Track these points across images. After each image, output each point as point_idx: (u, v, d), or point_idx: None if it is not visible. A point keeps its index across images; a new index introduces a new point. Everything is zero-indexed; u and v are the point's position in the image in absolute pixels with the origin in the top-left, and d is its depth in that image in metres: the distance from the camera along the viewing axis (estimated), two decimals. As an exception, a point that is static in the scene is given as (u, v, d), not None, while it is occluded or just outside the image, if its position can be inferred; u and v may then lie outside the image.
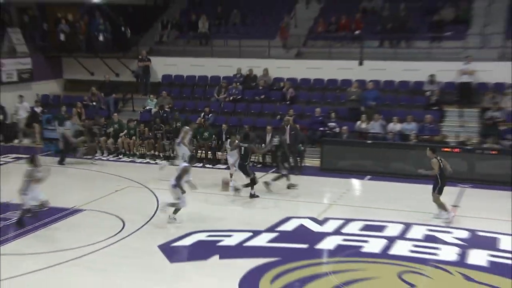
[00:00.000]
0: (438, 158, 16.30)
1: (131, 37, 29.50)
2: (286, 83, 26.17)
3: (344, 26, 27.55)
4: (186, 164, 16.25)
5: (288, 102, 25.22)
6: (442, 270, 13.16)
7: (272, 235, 15.20)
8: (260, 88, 26.52)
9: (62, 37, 29.13)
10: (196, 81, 28.18)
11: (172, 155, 23.27)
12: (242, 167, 18.65)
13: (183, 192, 15.85)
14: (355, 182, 20.80)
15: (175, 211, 15.81)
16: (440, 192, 16.29)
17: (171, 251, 14.06)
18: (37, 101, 27.48)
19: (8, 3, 30.55)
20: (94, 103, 26.91)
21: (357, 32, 26.91)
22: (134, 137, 24.00)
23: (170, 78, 28.51)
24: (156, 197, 18.32)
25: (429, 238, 15.07)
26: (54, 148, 25.03)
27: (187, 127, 20.91)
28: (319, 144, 22.41)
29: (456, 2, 27.15)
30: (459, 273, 13.02)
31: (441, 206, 16.39)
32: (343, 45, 27.19)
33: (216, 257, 13.75)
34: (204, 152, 23.06)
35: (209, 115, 24.59)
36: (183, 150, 20.23)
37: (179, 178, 15.71)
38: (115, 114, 25.82)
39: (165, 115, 24.90)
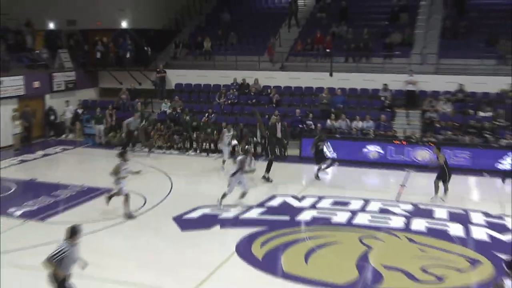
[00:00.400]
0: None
1: (151, 54, 29.38)
2: (272, 90, 26.11)
3: (318, 40, 27.50)
4: (241, 157, 15.42)
5: (274, 105, 25.18)
6: (392, 235, 13.27)
7: (261, 209, 15.23)
8: (252, 94, 26.44)
9: (98, 55, 29.11)
10: (201, 88, 28.07)
11: (179, 146, 23.32)
12: (266, 149, 19.41)
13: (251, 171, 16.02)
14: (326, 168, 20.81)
15: (242, 196, 15.18)
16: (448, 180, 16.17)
17: (182, 222, 14.09)
18: (79, 104, 27.45)
19: (59, 30, 30.88)
20: (124, 101, 26.89)
21: (327, 50, 26.85)
22: (152, 132, 23.88)
23: (181, 86, 28.39)
24: (171, 179, 18.31)
25: (382, 211, 15.15)
26: (91, 142, 25.06)
27: (225, 129, 20.67)
28: (299, 138, 22.40)
29: (403, 29, 27.21)
30: (405, 237, 13.16)
31: (437, 190, 16.15)
32: (317, 60, 27.10)
33: (217, 227, 13.79)
34: (208, 144, 23.04)
35: (212, 115, 24.53)
36: (224, 147, 20.23)
37: (239, 169, 15.01)
38: (139, 103, 25.88)
39: (177, 115, 24.84)
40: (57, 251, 8.38)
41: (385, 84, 24.46)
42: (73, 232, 8.59)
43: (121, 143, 23.84)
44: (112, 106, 26.13)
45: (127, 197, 14.32)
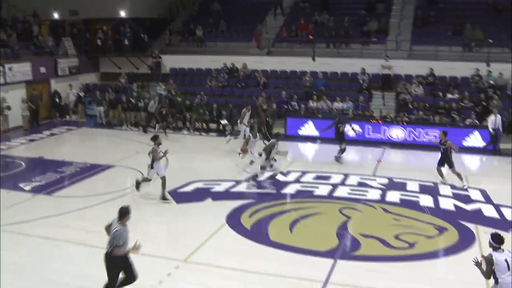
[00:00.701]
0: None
1: (147, 41, 29.12)
2: (259, 73, 26.01)
3: (302, 28, 27.33)
4: (273, 140, 14.96)
5: (261, 88, 25.08)
6: (369, 206, 13.38)
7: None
8: (241, 77, 26.34)
9: (99, 42, 28.85)
10: (194, 72, 27.85)
11: (174, 126, 23.15)
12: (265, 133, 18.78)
13: (273, 160, 14.87)
14: (309, 145, 20.83)
15: (272, 176, 14.76)
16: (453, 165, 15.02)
17: (177, 195, 14.06)
18: (81, 88, 27.18)
19: (63, 20, 30.70)
20: (123, 85, 26.64)
21: (310, 37, 26.72)
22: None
23: (176, 70, 28.18)
24: (166, 157, 18.19)
25: (361, 184, 15.24)
26: (93, 122, 24.88)
27: (245, 109, 20.05)
28: (284, 117, 22.36)
29: (379, 18, 27.15)
30: (381, 207, 13.26)
31: (459, 176, 15.03)
32: (301, 46, 26.99)
33: (210, 199, 13.80)
34: (200, 123, 22.95)
35: (204, 97, 24.40)
36: (244, 128, 19.55)
37: (269, 153, 14.65)
38: (135, 84, 25.64)
39: (171, 97, 24.62)
40: (113, 236, 8.10)
41: (363, 68, 24.42)
42: (122, 214, 8.28)
43: (121, 123, 23.78)
44: (112, 89, 25.93)
45: (164, 180, 13.60)
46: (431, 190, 14.65)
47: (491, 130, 19.15)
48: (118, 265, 8.27)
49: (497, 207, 13.27)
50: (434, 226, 11.95)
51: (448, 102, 21.92)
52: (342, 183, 15.28)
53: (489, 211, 13.07)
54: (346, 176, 15.95)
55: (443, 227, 11.95)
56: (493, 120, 19.18)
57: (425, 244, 10.99)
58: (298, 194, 14.29)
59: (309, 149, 20.42)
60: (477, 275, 9.26)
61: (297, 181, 15.49)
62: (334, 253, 10.49)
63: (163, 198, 13.55)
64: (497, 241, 7.39)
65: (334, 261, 10.14)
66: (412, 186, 15.06)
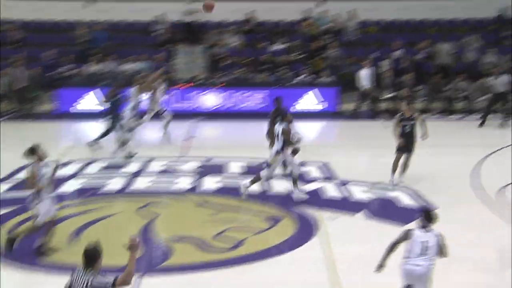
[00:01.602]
0: None
1: None
2: (12, 25, 24.81)
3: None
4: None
5: (16, 45, 23.97)
6: (178, 200, 13.67)
7: (9, 184, 14.63)
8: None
9: None
10: None
11: None
12: None
13: None
14: (92, 125, 20.34)
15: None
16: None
17: None
18: None
19: None
20: None
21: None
22: None
23: None
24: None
25: (166, 171, 15.54)
26: None
27: (160, 70, 18.68)
28: (54, 88, 21.71)
29: None
30: (194, 200, 13.61)
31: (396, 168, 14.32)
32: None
33: None
34: None
35: None
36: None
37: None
38: None
39: None
40: None
41: (161, 15, 24.55)
42: (91, 257, 6.75)
43: None
44: None
45: (50, 226, 10.98)
46: (259, 171, 15.30)
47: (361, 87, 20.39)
48: None
49: (343, 184, 14.37)
50: (264, 217, 12.51)
51: (273, 55, 22.97)
52: (141, 172, 15.40)
53: (332, 190, 14.10)
54: (146, 162, 16.06)
55: (276, 216, 12.55)
56: (365, 75, 20.42)
57: (255, 241, 11.44)
58: (81, 193, 14.03)
59: (92, 130, 20.05)
60: (320, 273, 10.00)
61: (78, 174, 15.27)
62: (137, 267, 10.47)
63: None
64: (427, 219, 8.07)
65: (138, 277, 10.14)
66: (234, 167, 15.66)
